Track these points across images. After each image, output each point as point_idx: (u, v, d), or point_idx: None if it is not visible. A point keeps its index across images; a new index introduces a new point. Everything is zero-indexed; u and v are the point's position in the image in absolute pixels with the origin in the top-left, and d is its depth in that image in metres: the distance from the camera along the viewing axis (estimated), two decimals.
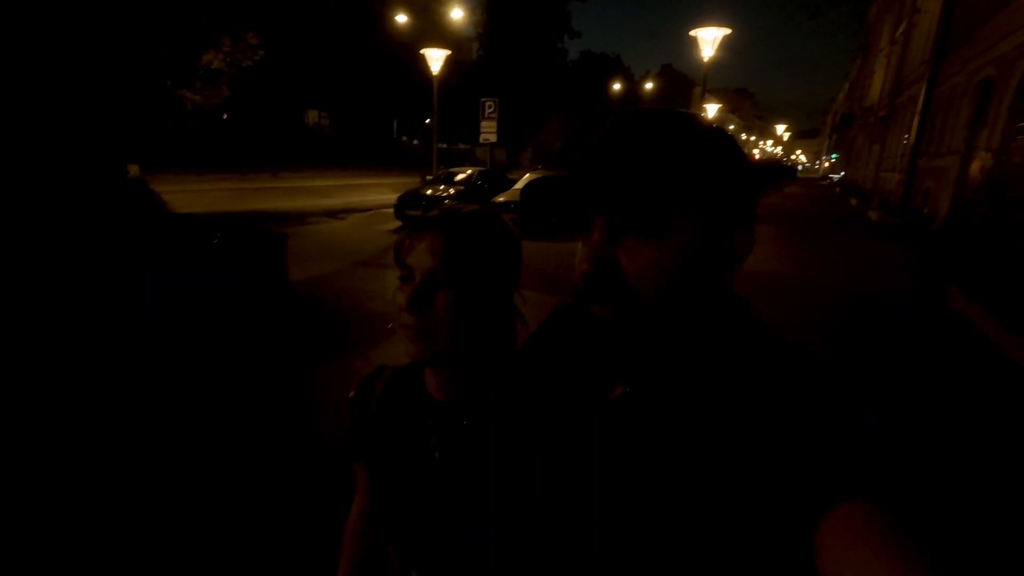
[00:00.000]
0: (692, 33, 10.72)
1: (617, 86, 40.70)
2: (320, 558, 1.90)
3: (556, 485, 0.61)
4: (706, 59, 10.65)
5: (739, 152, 0.52)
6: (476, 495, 0.72)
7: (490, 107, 14.96)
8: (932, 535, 0.37)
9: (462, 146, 34.52)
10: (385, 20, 19.88)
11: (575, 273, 0.55)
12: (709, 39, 10.56)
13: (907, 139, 17.15)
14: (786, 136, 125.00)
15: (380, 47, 21.11)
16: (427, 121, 29.15)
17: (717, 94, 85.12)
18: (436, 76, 13.39)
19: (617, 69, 42.35)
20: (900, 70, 24.50)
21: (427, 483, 0.75)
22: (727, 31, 10.55)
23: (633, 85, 47.15)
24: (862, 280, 7.14)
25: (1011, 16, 9.57)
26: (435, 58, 13.22)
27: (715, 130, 0.52)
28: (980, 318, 5.11)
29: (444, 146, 27.90)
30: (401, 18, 18.29)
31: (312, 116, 30.06)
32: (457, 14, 17.92)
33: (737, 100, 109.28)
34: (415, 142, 37.85)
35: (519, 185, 11.92)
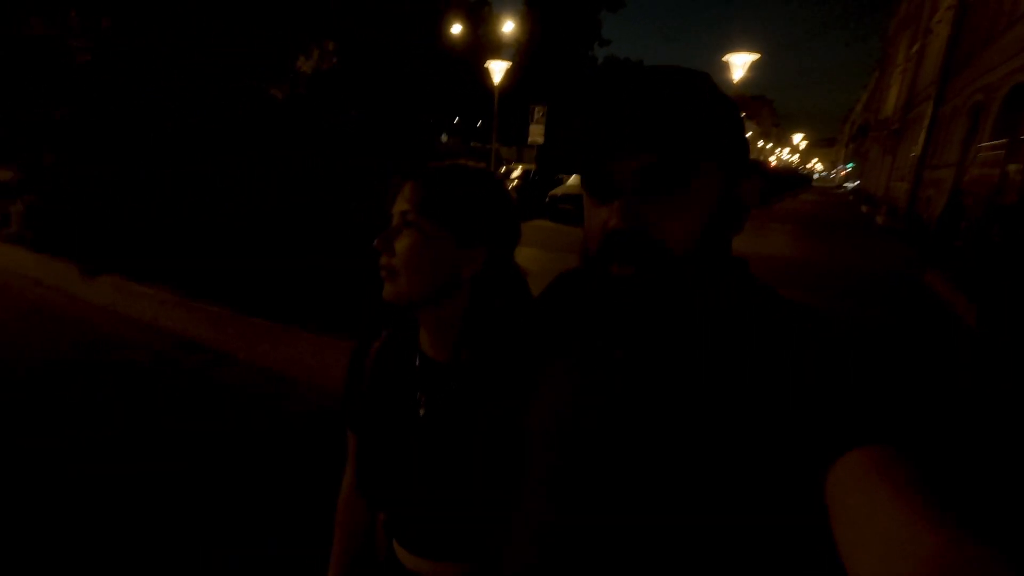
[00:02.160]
0: (725, 59, 12.56)
1: None
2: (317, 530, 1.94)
3: (549, 444, 0.60)
4: (736, 81, 12.48)
5: (729, 100, 0.53)
6: (457, 454, 0.72)
7: (539, 112, 16.92)
8: (951, 481, 0.37)
9: (488, 146, 36.56)
10: (442, 33, 21.99)
11: (587, 236, 0.56)
12: (739, 64, 12.39)
13: (915, 152, 18.85)
14: (803, 145, 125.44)
15: (438, 55, 23.20)
16: (455, 120, 31.17)
17: (734, 100, 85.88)
18: (497, 85, 15.33)
19: None
20: (913, 86, 26.06)
21: (409, 440, 0.75)
22: (756, 56, 12.37)
23: None
24: (863, 265, 8.97)
25: (995, 52, 11.37)
26: (496, 70, 15.16)
27: (704, 76, 0.53)
28: (941, 287, 6.98)
29: (477, 145, 29.83)
30: (456, 28, 20.35)
31: None
32: (508, 26, 20.00)
33: (754, 106, 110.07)
34: (444, 139, 39.81)
35: (571, 181, 13.85)
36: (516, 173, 13.98)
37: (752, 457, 0.44)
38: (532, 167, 14.37)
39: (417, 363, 0.78)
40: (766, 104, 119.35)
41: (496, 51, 27.47)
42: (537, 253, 7.59)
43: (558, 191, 12.68)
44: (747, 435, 0.44)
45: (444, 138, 39.42)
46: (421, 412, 0.75)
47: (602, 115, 0.50)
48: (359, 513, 0.90)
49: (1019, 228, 6.79)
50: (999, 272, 6.19)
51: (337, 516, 0.92)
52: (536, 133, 16.78)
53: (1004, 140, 8.78)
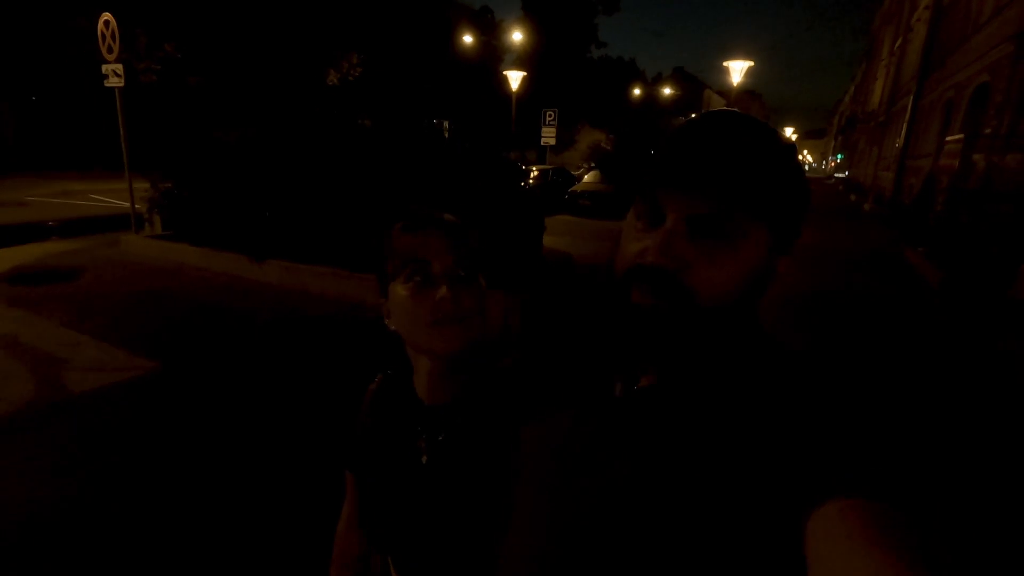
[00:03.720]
0: (725, 64, 13.99)
1: (637, 91, 43.86)
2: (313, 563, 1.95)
3: (548, 485, 0.59)
4: (735, 84, 13.91)
5: (805, 177, 0.52)
6: (461, 500, 0.71)
7: (550, 116, 18.27)
8: (930, 531, 0.37)
9: (519, 153, 38.17)
10: (454, 43, 23.35)
11: (619, 256, 0.54)
12: (737, 69, 13.82)
13: (898, 143, 20.31)
14: (794, 137, 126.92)
15: (450, 64, 24.60)
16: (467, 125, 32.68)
17: (725, 95, 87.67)
18: (515, 92, 16.69)
19: (635, 75, 45.50)
20: (896, 81, 27.51)
21: (413, 487, 0.75)
22: (751, 63, 13.81)
23: (651, 89, 50.12)
24: (853, 246, 10.40)
25: (964, 54, 12.84)
26: (514, 78, 16.51)
27: (791, 147, 0.52)
28: (916, 260, 8.42)
29: (516, 155, 31.48)
30: (467, 39, 21.72)
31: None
32: (517, 36, 21.37)
33: (745, 101, 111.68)
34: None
35: (587, 178, 15.28)
36: (534, 174, 15.33)
37: (739, 507, 0.44)
38: (549, 167, 15.73)
39: (414, 409, 0.77)
40: (756, 98, 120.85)
41: (501, 59, 28.83)
42: (560, 240, 9.32)
43: (577, 188, 14.10)
44: (736, 484, 0.44)
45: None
46: (424, 460, 0.74)
47: (684, 148, 0.50)
48: (355, 545, 0.92)
49: (978, 210, 8.22)
50: (961, 246, 7.62)
51: (335, 548, 0.93)
52: (548, 135, 18.16)
53: (961, 135, 10.23)
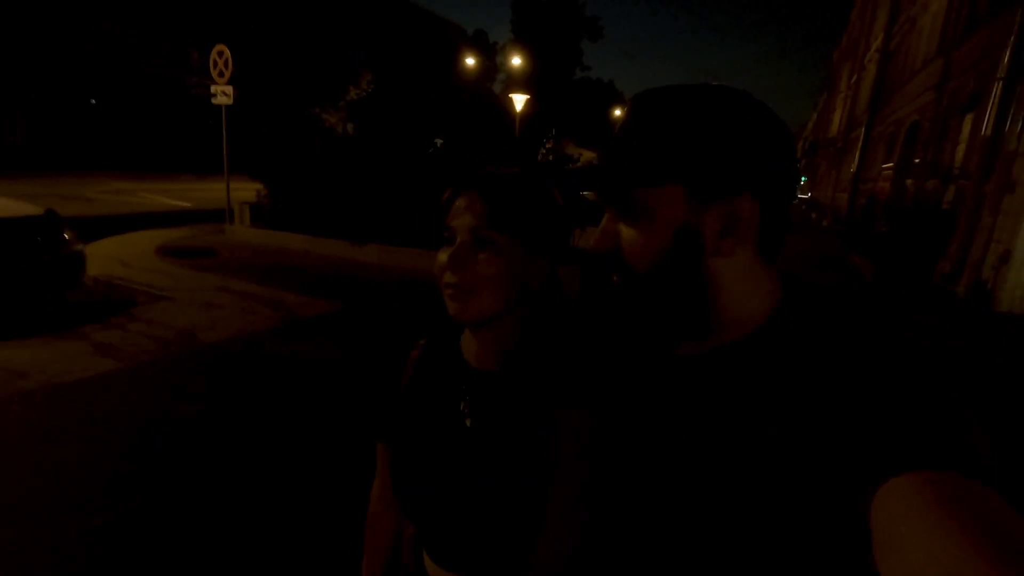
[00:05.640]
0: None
1: (618, 112, 46.54)
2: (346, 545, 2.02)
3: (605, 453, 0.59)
4: None
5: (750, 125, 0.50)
6: (505, 465, 0.71)
7: (550, 134, 20.38)
8: (1001, 499, 0.34)
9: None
10: (456, 66, 25.36)
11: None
12: None
13: (852, 168, 22.95)
14: None
15: (451, 82, 26.63)
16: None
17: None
18: (519, 113, 18.62)
19: (614, 96, 48.32)
20: (852, 112, 30.45)
21: (454, 450, 0.74)
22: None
23: None
24: (810, 252, 12.59)
25: (903, 96, 15.35)
26: (518, 100, 18.44)
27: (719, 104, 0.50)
28: (859, 261, 10.61)
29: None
30: (470, 61, 23.74)
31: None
32: (516, 61, 23.48)
33: None
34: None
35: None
36: None
37: (791, 486, 0.42)
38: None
39: (460, 372, 0.77)
40: None
41: (495, 78, 30.85)
42: None
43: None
44: (788, 459, 0.43)
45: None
46: (467, 423, 0.74)
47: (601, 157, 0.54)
48: (387, 525, 0.92)
49: (905, 224, 10.42)
50: (886, 250, 9.80)
51: (367, 528, 0.93)
52: (548, 151, 20.18)
53: (892, 164, 12.59)
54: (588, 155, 32.08)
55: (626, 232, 0.52)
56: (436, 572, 0.78)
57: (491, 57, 30.70)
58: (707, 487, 0.47)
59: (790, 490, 0.43)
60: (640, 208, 0.51)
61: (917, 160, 12.81)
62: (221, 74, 8.72)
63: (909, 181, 12.07)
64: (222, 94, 8.75)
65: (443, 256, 0.69)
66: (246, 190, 9.52)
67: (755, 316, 0.52)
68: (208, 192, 15.77)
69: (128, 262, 6.50)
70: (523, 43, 34.50)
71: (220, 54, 8.69)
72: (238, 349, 4.10)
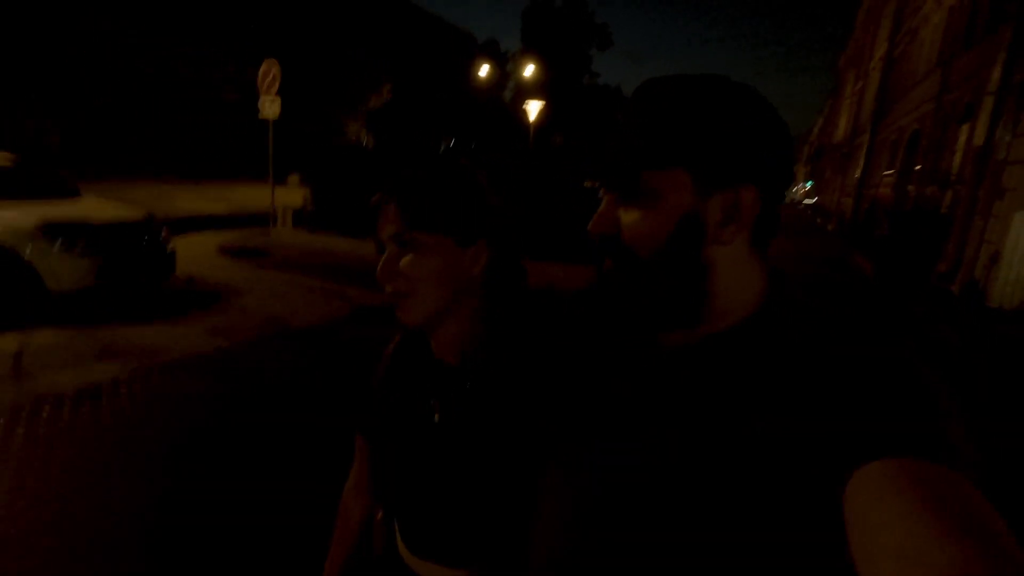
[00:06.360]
0: None
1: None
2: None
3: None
4: None
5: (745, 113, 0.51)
6: (473, 459, 0.72)
7: (559, 139, 21.08)
8: (978, 492, 0.36)
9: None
10: (470, 75, 26.23)
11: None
12: None
13: (857, 174, 23.52)
14: None
15: (466, 89, 27.42)
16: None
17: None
18: (533, 122, 19.30)
19: (621, 102, 48.96)
20: (857, 118, 30.81)
21: (424, 446, 0.76)
22: None
23: None
24: (816, 253, 13.21)
25: (905, 104, 16.00)
26: (533, 108, 19.12)
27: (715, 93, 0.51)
28: (861, 261, 11.23)
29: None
30: (483, 70, 24.47)
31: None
32: (529, 69, 24.23)
33: None
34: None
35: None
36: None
37: (780, 477, 0.43)
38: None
39: (430, 367, 0.78)
40: None
41: (506, 85, 31.63)
42: None
43: None
44: (770, 449, 0.44)
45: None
46: (436, 418, 0.75)
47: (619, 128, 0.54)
48: (357, 515, 0.93)
49: (905, 227, 11.03)
50: (887, 251, 10.42)
51: (337, 519, 0.95)
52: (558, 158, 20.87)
53: (893, 171, 13.21)
54: None
55: (628, 217, 0.53)
56: (409, 559, 0.80)
57: (502, 66, 31.57)
58: (701, 478, 0.48)
59: (779, 480, 0.44)
60: (646, 191, 0.51)
61: (918, 167, 13.43)
62: (268, 89, 9.44)
63: (911, 187, 12.69)
64: (269, 108, 9.47)
65: (378, 267, 0.71)
66: (281, 195, 10.25)
67: (746, 305, 0.54)
68: (241, 196, 16.53)
69: (197, 260, 7.21)
70: (533, 52, 35.35)
71: (268, 70, 9.41)
72: (323, 331, 4.80)
